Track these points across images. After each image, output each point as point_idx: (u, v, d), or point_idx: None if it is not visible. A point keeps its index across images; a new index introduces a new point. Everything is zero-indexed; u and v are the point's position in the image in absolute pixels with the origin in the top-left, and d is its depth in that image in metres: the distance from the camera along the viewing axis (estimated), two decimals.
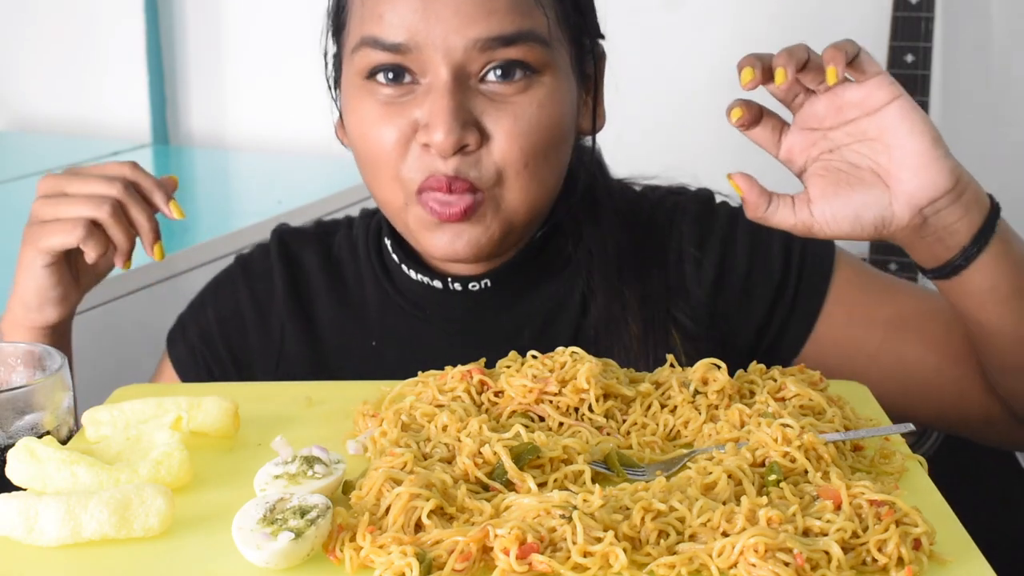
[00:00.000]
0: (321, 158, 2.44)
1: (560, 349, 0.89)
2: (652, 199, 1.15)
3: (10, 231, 1.92)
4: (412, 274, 1.11)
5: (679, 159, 1.23)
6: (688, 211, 1.13)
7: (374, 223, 1.17)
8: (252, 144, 2.56)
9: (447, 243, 1.02)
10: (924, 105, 1.95)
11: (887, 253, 2.01)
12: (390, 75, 1.00)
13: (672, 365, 0.91)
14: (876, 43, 2.04)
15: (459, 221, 1.00)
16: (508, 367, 0.90)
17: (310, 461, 0.75)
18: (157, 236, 1.04)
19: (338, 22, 1.07)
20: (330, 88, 1.11)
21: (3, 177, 2.24)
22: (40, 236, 1.04)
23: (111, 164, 1.06)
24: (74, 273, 1.08)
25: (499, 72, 0.98)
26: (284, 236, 1.21)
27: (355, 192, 2.13)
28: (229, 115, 2.58)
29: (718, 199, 1.15)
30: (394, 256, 1.13)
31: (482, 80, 0.99)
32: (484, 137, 0.99)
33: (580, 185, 1.11)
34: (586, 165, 1.13)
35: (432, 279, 1.10)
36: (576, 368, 0.86)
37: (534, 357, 0.89)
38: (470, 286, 1.09)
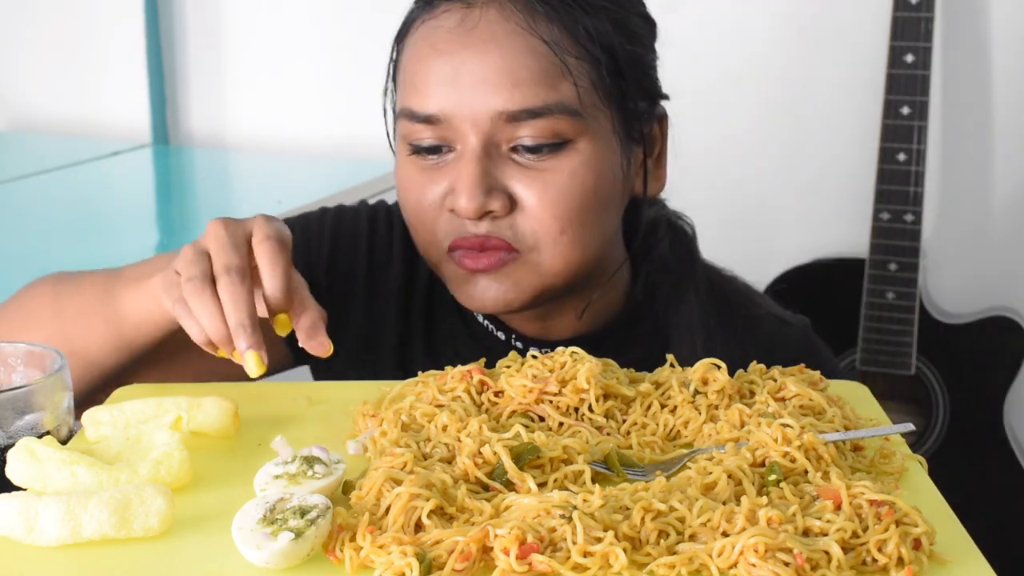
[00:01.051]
0: (321, 158, 2.45)
1: (560, 349, 0.89)
2: (749, 308, 1.14)
3: (10, 231, 1.93)
4: (479, 316, 1.13)
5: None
6: (790, 347, 1.11)
7: None
8: (252, 144, 2.56)
9: (477, 294, 1.02)
10: (924, 105, 1.96)
11: (887, 253, 2.01)
12: (429, 152, 1.02)
13: (672, 365, 0.91)
14: (876, 43, 2.04)
15: (487, 272, 1.00)
16: (508, 367, 0.90)
17: (310, 461, 0.75)
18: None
19: (395, 80, 1.09)
20: (390, 143, 1.09)
21: (3, 177, 2.24)
22: (179, 312, 0.88)
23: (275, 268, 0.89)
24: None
25: (530, 141, 0.99)
26: (406, 233, 1.13)
27: (355, 192, 2.13)
28: (229, 115, 2.58)
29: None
30: None
31: (513, 149, 1.00)
32: (514, 204, 0.99)
33: (671, 268, 1.11)
34: (681, 246, 1.13)
35: (497, 328, 1.11)
36: (576, 368, 0.86)
37: (534, 357, 0.90)
38: (529, 349, 1.06)
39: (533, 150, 0.99)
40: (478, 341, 1.12)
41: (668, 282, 1.12)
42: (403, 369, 1.14)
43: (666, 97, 1.10)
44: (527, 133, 0.98)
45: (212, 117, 2.58)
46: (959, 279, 2.16)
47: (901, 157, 1.99)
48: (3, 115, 2.74)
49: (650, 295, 1.13)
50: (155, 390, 0.93)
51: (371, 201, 1.22)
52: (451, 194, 1.00)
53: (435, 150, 1.02)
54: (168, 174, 2.49)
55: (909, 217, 1.99)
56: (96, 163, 2.39)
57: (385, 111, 1.09)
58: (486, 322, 1.13)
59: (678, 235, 1.15)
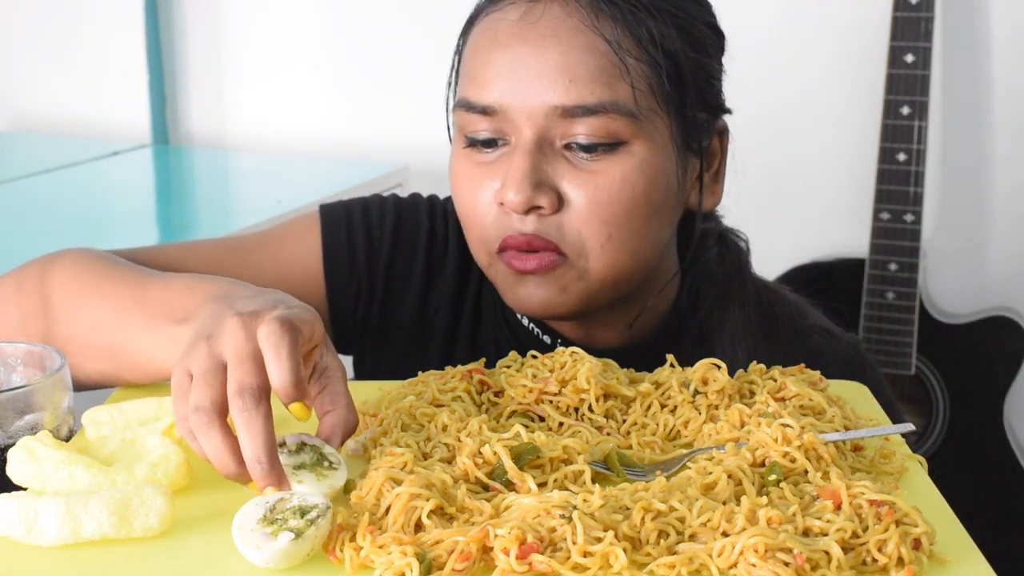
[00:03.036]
0: (321, 158, 2.45)
1: (560, 349, 0.89)
2: (796, 321, 1.13)
3: (10, 231, 1.93)
4: (524, 320, 1.11)
5: None
6: (837, 360, 1.10)
7: None
8: (252, 144, 2.56)
9: (524, 297, 1.01)
10: (924, 105, 1.96)
11: (887, 253, 2.01)
12: (484, 145, 1.01)
13: (672, 365, 0.91)
14: (876, 43, 2.04)
15: (535, 273, 0.99)
16: (508, 367, 0.90)
17: (315, 451, 0.75)
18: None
19: (457, 73, 1.07)
20: (450, 137, 1.08)
21: (3, 177, 2.24)
22: (187, 436, 0.77)
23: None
24: None
25: (584, 139, 0.98)
26: (460, 232, 1.11)
27: (355, 192, 2.13)
28: (229, 115, 2.58)
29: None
30: None
31: (567, 147, 0.99)
32: (563, 203, 0.98)
33: (718, 279, 1.10)
34: (730, 258, 1.12)
35: (543, 332, 1.10)
36: (576, 368, 0.86)
37: (534, 357, 0.90)
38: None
39: (586, 149, 0.98)
40: (523, 345, 1.11)
41: (713, 293, 1.11)
42: None
43: (729, 111, 1.09)
44: (581, 131, 0.97)
45: (212, 117, 2.58)
46: (959, 279, 2.16)
47: (901, 157, 1.99)
48: (3, 115, 2.74)
49: (694, 306, 1.12)
50: (155, 390, 0.93)
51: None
52: (500, 189, 0.99)
53: (490, 144, 1.01)
54: (168, 174, 2.49)
55: (909, 217, 1.99)
56: (96, 163, 2.39)
57: (448, 103, 1.08)
58: (531, 326, 1.12)
59: (728, 247, 1.14)
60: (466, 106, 1.01)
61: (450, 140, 1.08)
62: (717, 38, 1.07)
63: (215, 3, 2.53)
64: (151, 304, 0.93)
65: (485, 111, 0.99)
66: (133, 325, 0.94)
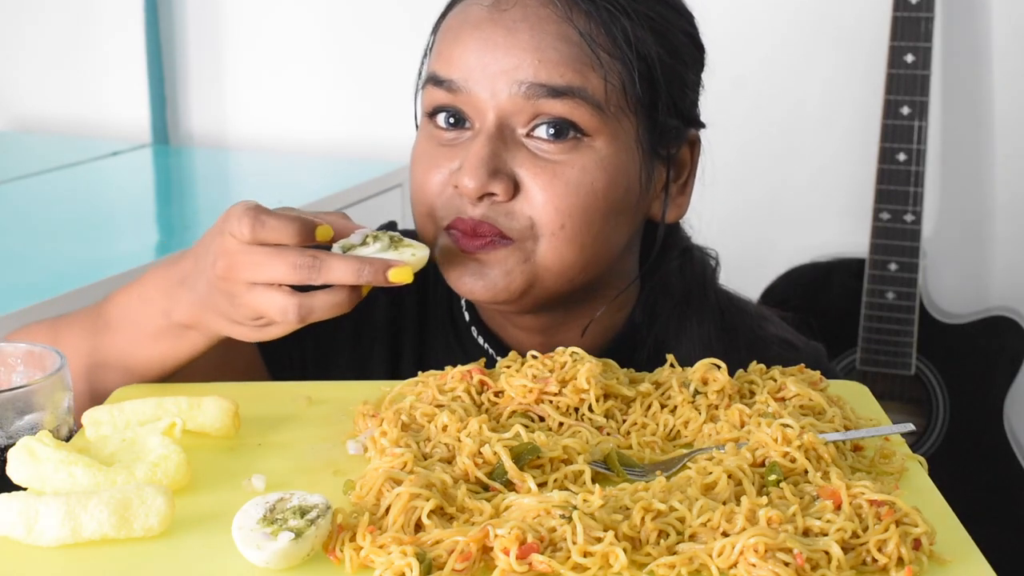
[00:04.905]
0: (321, 158, 2.45)
1: (560, 349, 0.89)
2: (756, 331, 1.12)
3: (10, 231, 1.93)
4: (480, 340, 1.11)
5: None
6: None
7: None
8: (252, 144, 2.56)
9: (467, 281, 0.99)
10: (924, 105, 1.96)
11: (887, 253, 2.01)
12: (451, 120, 1.00)
13: (672, 365, 0.91)
14: (876, 43, 2.04)
15: (478, 252, 0.98)
16: (508, 367, 0.90)
17: (380, 238, 0.84)
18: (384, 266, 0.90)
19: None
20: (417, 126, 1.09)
21: (3, 177, 2.24)
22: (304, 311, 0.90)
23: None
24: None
25: (548, 130, 0.97)
26: None
27: (355, 192, 2.13)
28: (229, 115, 2.58)
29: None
30: (465, 315, 1.12)
31: (529, 135, 0.98)
32: (519, 190, 0.97)
33: (676, 291, 1.09)
34: (694, 272, 1.11)
35: (498, 351, 1.09)
36: (576, 368, 0.86)
37: (534, 357, 0.90)
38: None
39: (549, 138, 0.97)
40: (473, 360, 1.11)
41: (670, 306, 1.10)
42: None
43: (703, 125, 1.08)
44: (544, 114, 0.96)
45: (212, 117, 2.58)
46: (959, 279, 2.16)
47: (901, 157, 1.99)
48: (3, 115, 2.74)
49: (650, 319, 1.11)
50: (155, 390, 0.93)
51: (375, 199, 1.21)
52: (456, 172, 0.98)
53: (455, 125, 1.00)
54: (168, 174, 2.49)
55: (909, 217, 1.99)
56: (96, 163, 2.39)
57: (416, 92, 1.07)
58: (486, 345, 1.11)
59: (692, 261, 1.13)
60: (433, 80, 1.00)
61: (416, 127, 1.07)
62: (696, 50, 1.06)
63: (215, 3, 2.53)
64: (114, 324, 1.01)
65: (451, 87, 0.99)
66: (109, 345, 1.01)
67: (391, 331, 1.15)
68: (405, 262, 0.88)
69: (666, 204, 1.06)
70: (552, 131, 0.97)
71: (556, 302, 1.03)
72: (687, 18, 1.05)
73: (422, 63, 1.07)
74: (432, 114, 1.01)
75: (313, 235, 0.89)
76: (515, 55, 0.96)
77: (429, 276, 1.14)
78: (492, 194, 0.97)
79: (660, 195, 1.06)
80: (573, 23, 0.97)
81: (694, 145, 1.07)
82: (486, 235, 0.97)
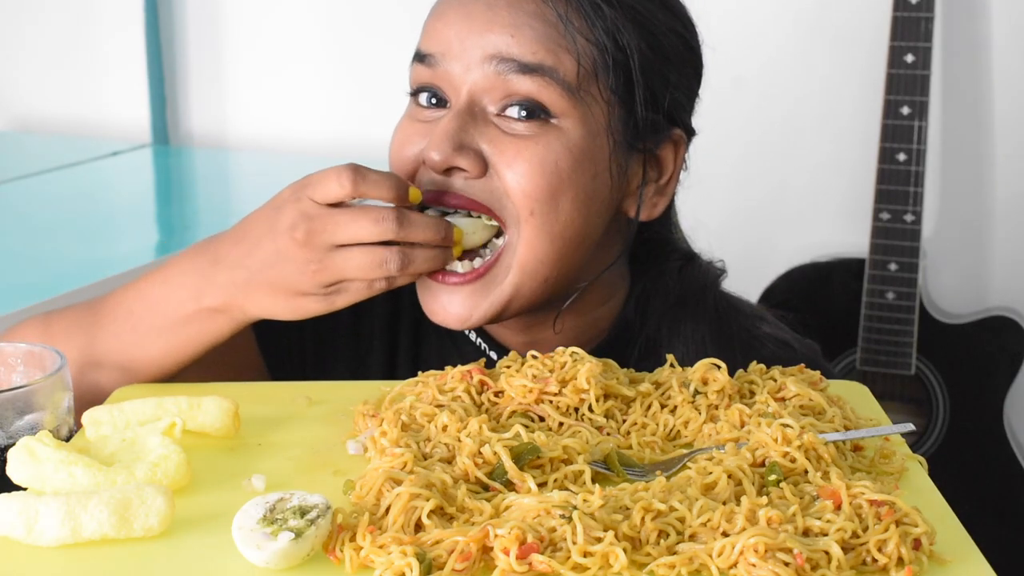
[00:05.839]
0: (321, 158, 2.43)
1: (560, 349, 0.89)
2: (751, 331, 1.11)
3: (10, 231, 1.93)
4: (472, 336, 1.11)
5: None
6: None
7: None
8: (252, 144, 2.56)
9: (440, 307, 0.99)
10: (924, 105, 1.96)
11: (887, 253, 2.01)
12: (433, 100, 1.01)
13: (672, 365, 0.91)
14: (876, 43, 2.04)
15: (459, 285, 0.98)
16: (508, 367, 0.90)
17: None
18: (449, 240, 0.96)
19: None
20: None
21: (3, 177, 2.24)
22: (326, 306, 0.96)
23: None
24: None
25: (519, 111, 0.97)
26: None
27: None
28: (229, 115, 2.58)
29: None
30: None
31: (500, 115, 0.98)
32: (488, 169, 0.98)
33: (672, 293, 1.09)
34: (694, 277, 1.11)
35: (490, 348, 1.09)
36: (576, 368, 0.86)
37: (534, 357, 0.89)
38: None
39: (519, 118, 0.97)
40: (465, 357, 1.11)
41: (663, 307, 1.09)
42: None
43: (693, 132, 1.07)
44: (515, 93, 0.97)
45: (212, 117, 2.59)
46: (959, 279, 2.16)
47: (901, 157, 1.99)
48: (3, 115, 2.74)
49: (642, 319, 1.10)
50: (155, 390, 0.93)
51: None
52: (425, 146, 0.99)
53: (436, 105, 1.01)
54: (168, 174, 2.49)
55: (909, 217, 1.99)
56: (96, 163, 2.39)
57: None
58: (479, 340, 1.10)
59: (695, 267, 1.12)
60: (417, 56, 1.02)
61: None
62: (686, 52, 1.05)
63: (215, 3, 2.53)
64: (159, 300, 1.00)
65: (430, 63, 1.00)
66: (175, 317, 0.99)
67: (390, 329, 1.15)
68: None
69: (641, 200, 1.05)
70: (523, 112, 0.97)
71: (537, 306, 1.03)
72: (682, 21, 1.05)
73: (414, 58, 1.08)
74: (415, 93, 1.03)
75: (407, 194, 0.94)
76: (492, 31, 0.97)
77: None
78: (460, 169, 0.97)
79: (636, 192, 1.05)
80: (552, 5, 0.98)
81: (679, 146, 1.06)
82: (453, 204, 0.98)
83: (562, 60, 0.97)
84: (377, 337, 1.15)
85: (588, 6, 0.98)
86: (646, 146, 1.04)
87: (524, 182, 0.97)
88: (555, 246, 0.99)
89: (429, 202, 0.99)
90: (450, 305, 0.99)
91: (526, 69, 0.97)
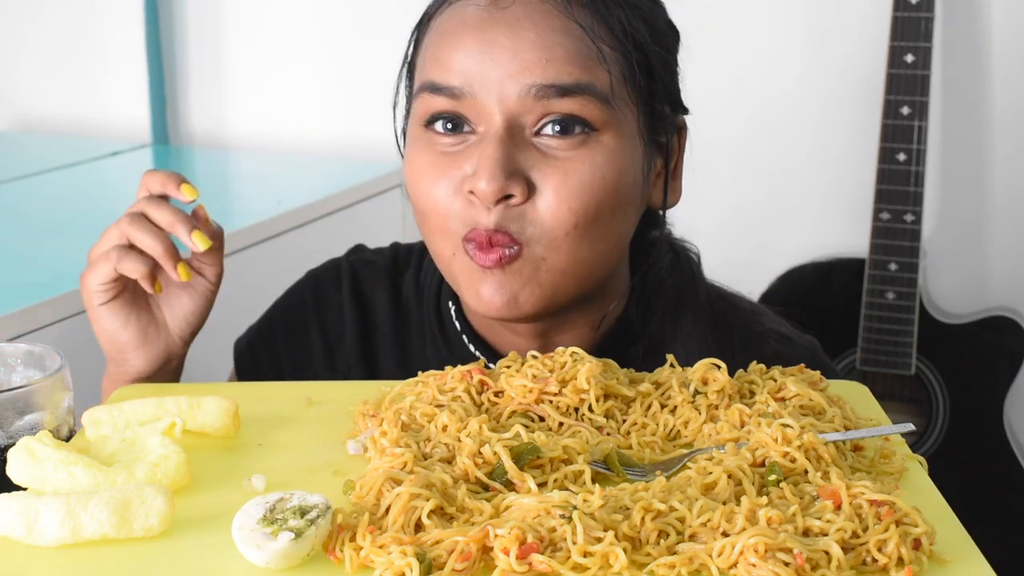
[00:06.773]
0: (321, 158, 2.45)
1: (560, 349, 0.89)
2: (751, 327, 1.11)
3: (11, 231, 1.93)
4: (471, 347, 1.10)
5: None
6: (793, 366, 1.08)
7: (439, 274, 1.12)
8: (252, 144, 2.56)
9: (487, 296, 0.96)
10: (924, 105, 1.96)
11: (887, 253, 2.01)
12: (449, 125, 0.97)
13: (672, 365, 0.91)
14: (876, 43, 2.04)
15: (496, 268, 0.95)
16: (508, 367, 0.90)
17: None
18: (176, 258, 1.02)
19: (411, 76, 1.05)
20: (398, 143, 1.07)
21: (3, 177, 2.24)
22: (84, 277, 1.05)
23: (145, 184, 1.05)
24: (149, 313, 1.07)
25: (555, 127, 0.95)
26: (358, 270, 1.18)
27: (355, 192, 2.13)
28: (229, 115, 2.58)
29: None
30: (456, 323, 1.11)
31: (537, 134, 0.96)
32: (532, 191, 0.95)
33: (669, 289, 1.09)
34: (683, 268, 1.11)
35: (491, 359, 1.06)
36: (576, 368, 0.86)
37: (534, 357, 0.89)
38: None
39: (558, 135, 0.95)
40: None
41: (665, 303, 1.09)
42: None
43: (686, 111, 1.08)
44: (554, 113, 0.95)
45: (212, 117, 2.59)
46: (959, 279, 2.16)
47: (901, 157, 1.99)
48: (3, 115, 2.74)
49: (644, 316, 1.10)
50: (155, 390, 0.93)
51: (375, 199, 1.21)
52: (471, 177, 0.95)
53: (454, 129, 0.97)
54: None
55: (909, 217, 1.99)
56: (96, 163, 2.39)
57: (395, 106, 1.06)
58: (472, 346, 1.10)
59: (679, 257, 1.12)
60: (431, 88, 0.97)
61: (398, 145, 1.06)
62: (673, 35, 1.06)
63: (215, 3, 2.53)
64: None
65: (453, 93, 0.96)
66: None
67: (359, 333, 1.16)
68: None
69: (667, 190, 1.06)
70: (558, 128, 0.95)
71: (568, 304, 1.02)
72: (660, 5, 1.06)
73: (402, 69, 1.05)
74: (429, 122, 0.99)
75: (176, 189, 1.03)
76: (521, 56, 0.94)
77: (399, 285, 1.15)
78: (509, 196, 0.94)
79: (656, 183, 1.05)
80: (574, 17, 0.96)
81: (681, 130, 1.08)
82: (502, 244, 0.95)
83: (596, 74, 0.96)
84: (348, 343, 1.15)
85: (605, 12, 0.97)
86: (663, 139, 1.04)
87: (572, 202, 0.95)
88: (595, 250, 0.98)
89: (479, 248, 0.95)
90: (498, 292, 0.97)
91: (565, 92, 0.95)
